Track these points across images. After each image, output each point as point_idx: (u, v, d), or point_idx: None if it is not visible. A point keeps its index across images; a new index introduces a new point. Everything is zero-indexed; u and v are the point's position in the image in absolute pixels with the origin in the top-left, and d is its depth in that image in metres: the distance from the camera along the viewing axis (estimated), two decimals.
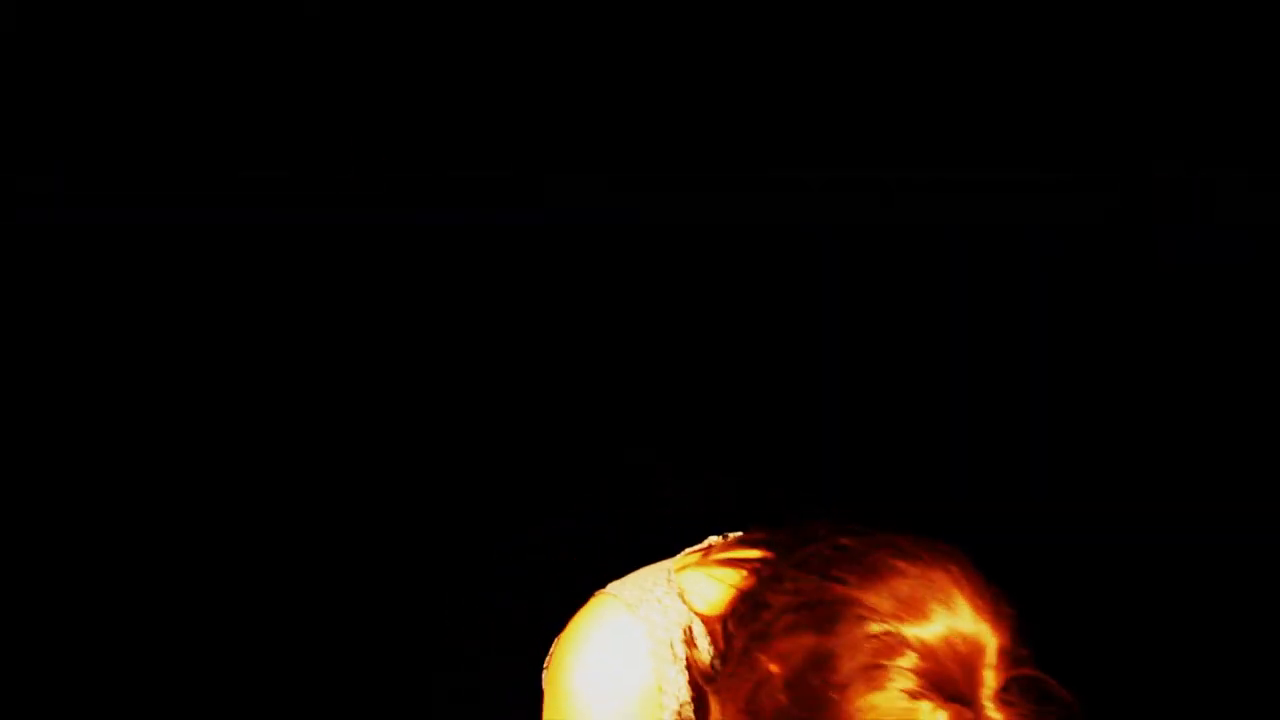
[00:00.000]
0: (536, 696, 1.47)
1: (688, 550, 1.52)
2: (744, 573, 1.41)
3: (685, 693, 1.41)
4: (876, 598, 1.26)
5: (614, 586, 1.47)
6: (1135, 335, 3.01)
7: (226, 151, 2.95)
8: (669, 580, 1.45)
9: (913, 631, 1.24)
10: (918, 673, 1.23)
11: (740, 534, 1.51)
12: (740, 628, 1.35)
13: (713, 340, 3.05)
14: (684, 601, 1.43)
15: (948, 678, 1.23)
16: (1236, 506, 2.93)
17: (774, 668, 1.28)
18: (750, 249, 3.01)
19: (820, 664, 1.25)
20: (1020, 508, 2.94)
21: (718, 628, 1.40)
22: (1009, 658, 1.27)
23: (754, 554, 1.43)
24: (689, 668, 1.41)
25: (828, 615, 1.27)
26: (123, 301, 2.95)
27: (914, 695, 1.23)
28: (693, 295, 3.04)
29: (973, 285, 3.02)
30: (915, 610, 1.25)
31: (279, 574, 2.98)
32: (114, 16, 2.88)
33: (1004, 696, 1.25)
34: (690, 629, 1.42)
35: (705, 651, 1.41)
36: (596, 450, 3.04)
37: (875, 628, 1.24)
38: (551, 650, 1.46)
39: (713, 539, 1.52)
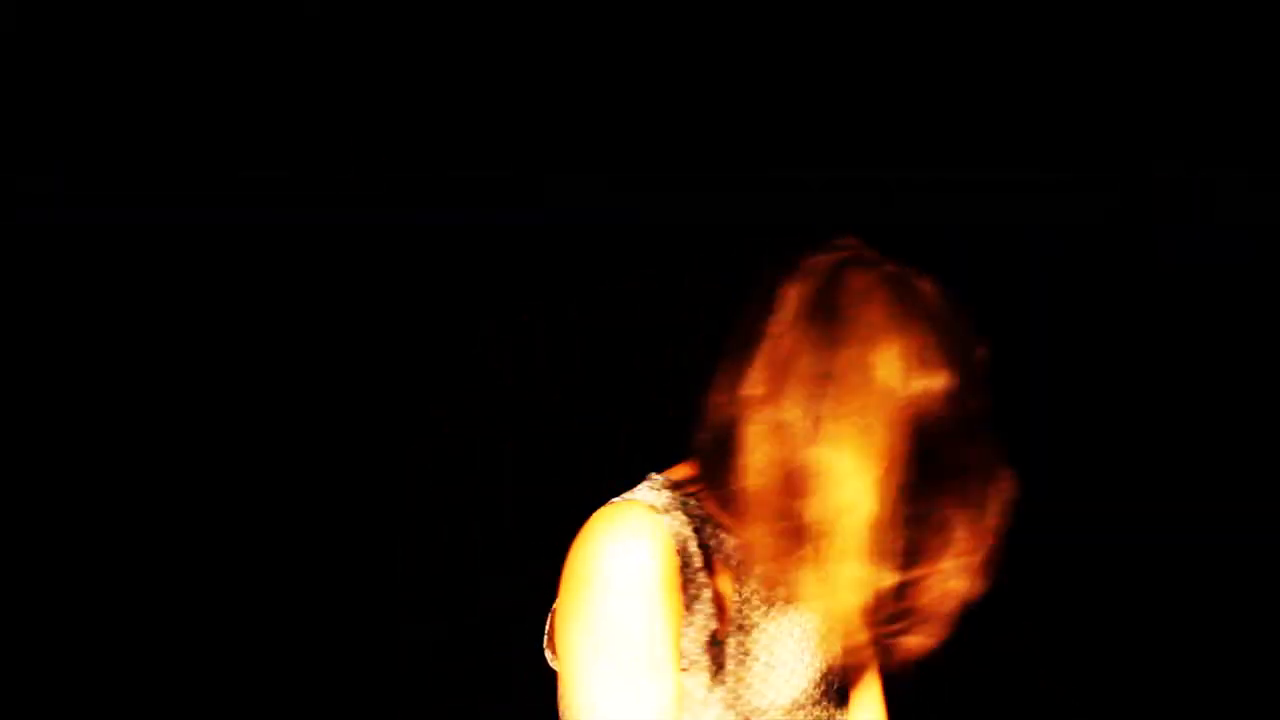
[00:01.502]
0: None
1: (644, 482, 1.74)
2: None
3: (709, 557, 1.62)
4: None
5: (621, 498, 1.69)
6: (1135, 335, 3.01)
7: (226, 151, 2.95)
8: (660, 488, 1.71)
9: None
10: None
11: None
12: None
13: (713, 340, 3.05)
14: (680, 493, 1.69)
15: None
16: (1236, 506, 2.94)
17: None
18: (750, 249, 3.02)
19: None
20: (1020, 508, 2.94)
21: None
22: None
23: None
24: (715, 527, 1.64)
25: None
26: (123, 301, 2.95)
27: None
28: (692, 295, 3.05)
29: (973, 285, 3.02)
30: None
31: (280, 572, 2.99)
32: (114, 16, 2.89)
33: None
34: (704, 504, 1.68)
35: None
36: (596, 449, 3.04)
37: None
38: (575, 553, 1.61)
39: (653, 474, 1.79)
